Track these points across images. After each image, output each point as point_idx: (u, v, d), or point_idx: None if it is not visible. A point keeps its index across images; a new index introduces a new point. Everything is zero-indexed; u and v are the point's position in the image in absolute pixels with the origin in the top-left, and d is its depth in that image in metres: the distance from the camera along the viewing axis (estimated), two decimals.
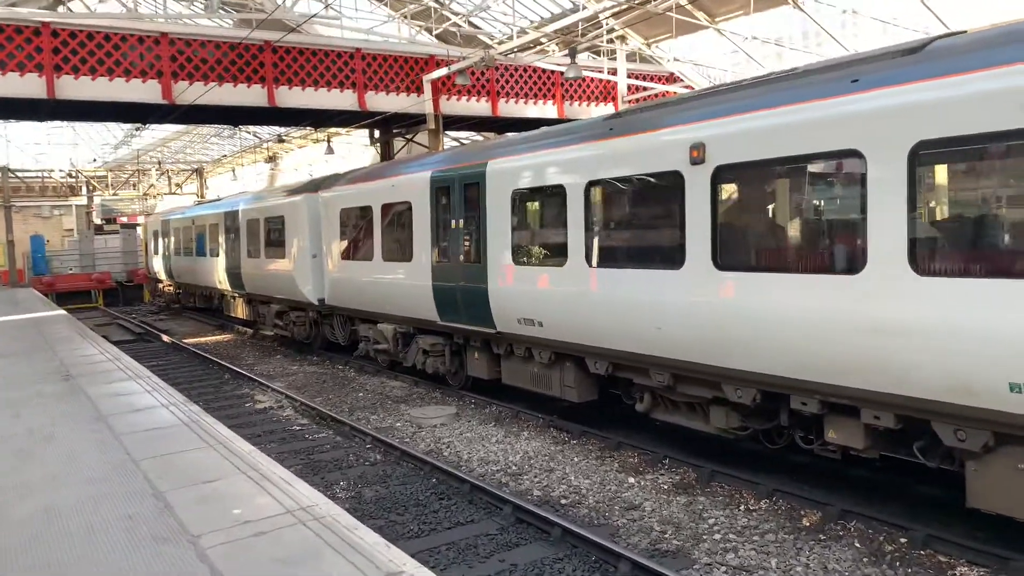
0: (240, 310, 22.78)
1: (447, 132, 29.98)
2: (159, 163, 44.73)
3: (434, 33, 26.15)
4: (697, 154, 7.46)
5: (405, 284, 13.10)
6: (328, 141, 34.57)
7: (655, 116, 8.34)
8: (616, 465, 9.21)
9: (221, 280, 23.23)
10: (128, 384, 10.49)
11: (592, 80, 27.75)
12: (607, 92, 28.18)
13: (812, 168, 6.52)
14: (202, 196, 43.64)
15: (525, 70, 26.38)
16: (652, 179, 8.23)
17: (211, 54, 20.93)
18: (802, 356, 6.62)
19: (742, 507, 7.75)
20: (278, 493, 5.23)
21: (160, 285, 32.90)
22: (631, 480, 8.67)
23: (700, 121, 7.53)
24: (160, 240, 31.18)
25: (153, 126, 33.27)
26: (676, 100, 8.47)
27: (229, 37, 21.40)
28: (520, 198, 10.35)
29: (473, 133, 33.66)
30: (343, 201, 15.18)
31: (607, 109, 28.21)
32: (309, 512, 4.84)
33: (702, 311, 7.45)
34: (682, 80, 24.69)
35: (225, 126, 39.06)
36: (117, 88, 19.90)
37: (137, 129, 25.93)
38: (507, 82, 26.18)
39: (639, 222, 8.69)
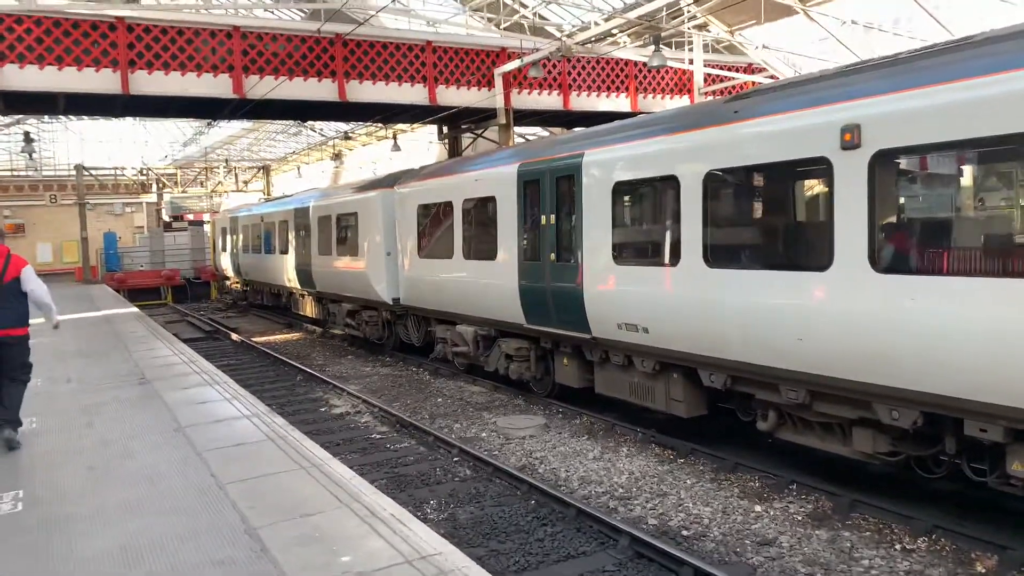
0: (309, 308, 22.38)
1: (514, 128, 29.21)
2: (226, 161, 45.04)
3: (503, 26, 25.38)
4: (850, 137, 6.45)
5: (488, 284, 12.32)
6: (394, 138, 34.16)
7: (791, 96, 7.34)
8: (736, 490, 8.25)
9: (290, 278, 22.87)
10: (206, 391, 9.94)
11: (668, 71, 26.62)
12: (683, 84, 27.04)
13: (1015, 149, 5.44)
14: (268, 194, 43.79)
15: (597, 62, 25.41)
16: (788, 168, 7.25)
17: (282, 47, 20.53)
18: (991, 375, 5.57)
19: (897, 546, 6.72)
20: (390, 534, 4.47)
21: (228, 282, 32.93)
22: (758, 508, 7.71)
23: (853, 99, 6.52)
24: (228, 237, 31.16)
25: (222, 123, 33.30)
26: (814, 78, 7.46)
27: (300, 30, 20.98)
28: (622, 191, 9.45)
29: (539, 129, 32.81)
30: (421, 196, 14.48)
31: (683, 101, 27.07)
32: (433, 563, 4.06)
33: (857, 321, 6.44)
34: (766, 69, 23.40)
35: (292, 122, 39.05)
36: (189, 83, 19.64)
37: (209, 124, 25.75)
38: (578, 74, 25.28)
39: (771, 217, 7.72)
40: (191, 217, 42.59)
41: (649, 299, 8.95)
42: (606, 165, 9.57)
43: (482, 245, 12.62)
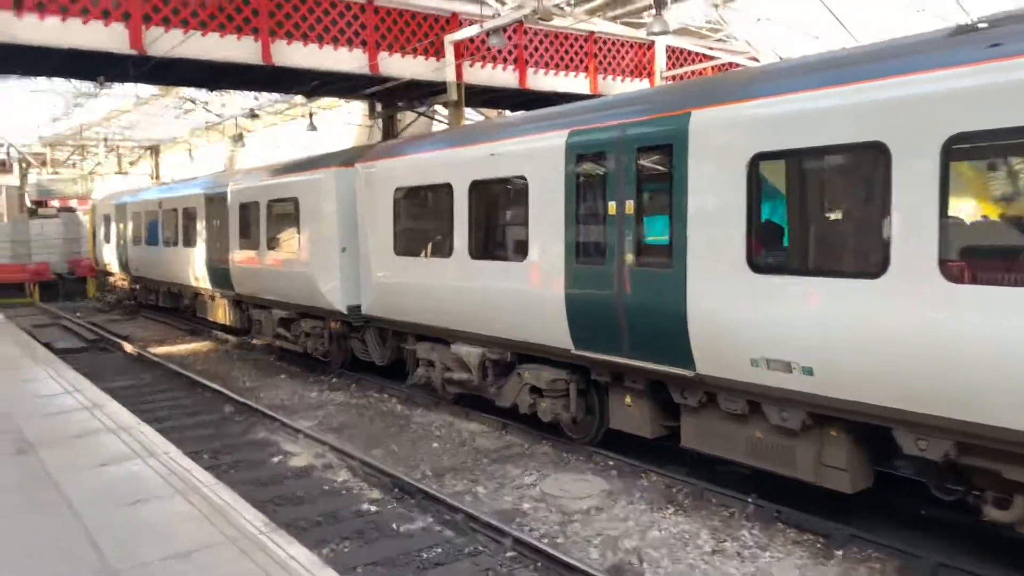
0: (222, 314, 18.44)
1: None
2: (105, 139, 39.34)
3: None
4: None
5: (509, 293, 9.22)
6: (310, 116, 30.23)
7: None
8: None
9: (198, 276, 18.85)
10: (135, 467, 6.39)
11: (628, 50, 24.21)
12: (642, 66, 24.67)
13: None
14: (157, 177, 38.54)
15: (556, 36, 22.63)
16: None
17: None
18: None
19: None
20: None
21: (111, 279, 28.07)
22: None
23: None
24: (113, 226, 26.40)
25: (105, 91, 28.32)
26: None
27: None
28: (767, 168, 6.58)
29: (480, 111, 29.65)
30: (399, 177, 11.16)
31: (643, 85, 24.72)
32: None
33: None
34: (748, 52, 21.21)
35: (185, 99, 34.24)
36: (72, 31, 15.42)
37: (100, 86, 21.16)
38: (535, 49, 22.40)
39: None
40: (60, 204, 36.94)
41: (816, 327, 6.13)
42: (738, 128, 6.66)
43: (501, 241, 9.53)
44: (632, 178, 7.60)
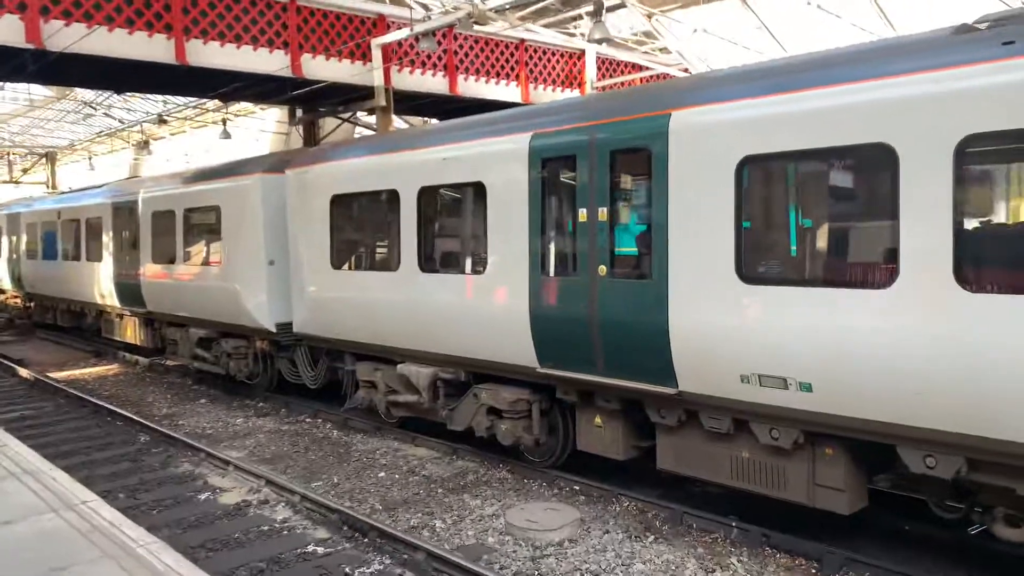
0: (132, 333, 17.02)
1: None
2: None
3: None
4: None
5: (468, 308, 8.56)
6: (224, 124, 28.78)
7: None
8: None
9: (104, 293, 17.37)
10: (49, 523, 5.36)
11: (558, 59, 24.01)
12: (572, 76, 24.48)
13: None
14: (53, 187, 35.91)
15: (487, 43, 22.18)
16: None
17: None
18: None
19: None
20: None
21: (1, 297, 25.84)
22: None
23: None
24: (3, 239, 24.33)
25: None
26: None
27: None
28: (759, 171, 6.15)
29: (404, 118, 28.86)
30: (336, 183, 10.33)
31: (572, 94, 24.50)
32: None
33: None
34: (681, 64, 21.16)
35: (85, 103, 32.14)
36: None
37: None
38: (465, 55, 21.88)
39: None
40: None
41: (820, 340, 5.72)
42: (725, 129, 6.22)
43: (455, 252, 8.87)
44: (605, 184, 7.07)
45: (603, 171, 7.08)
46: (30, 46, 14.75)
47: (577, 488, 8.39)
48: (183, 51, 16.34)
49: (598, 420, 7.84)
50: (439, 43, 20.33)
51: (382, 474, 9.23)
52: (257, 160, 12.94)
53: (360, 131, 26.41)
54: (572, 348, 7.48)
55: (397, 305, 9.48)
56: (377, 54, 19.43)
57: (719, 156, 6.22)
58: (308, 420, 12.00)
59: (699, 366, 6.51)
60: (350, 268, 10.27)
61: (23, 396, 14.46)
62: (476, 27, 18.06)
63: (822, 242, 6.02)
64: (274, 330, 12.00)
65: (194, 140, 38.42)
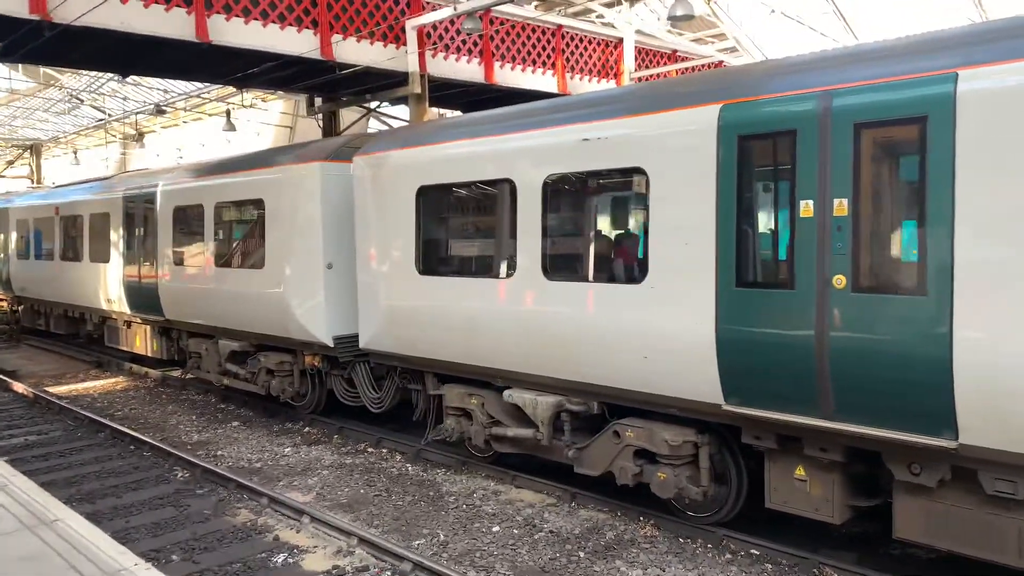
0: (141, 342, 15.08)
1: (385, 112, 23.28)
2: None
3: None
4: None
5: (617, 325, 6.85)
6: (228, 115, 26.84)
7: None
8: None
9: (111, 297, 15.42)
10: None
11: (592, 47, 22.47)
12: (609, 65, 22.93)
13: None
14: (38, 180, 33.59)
15: (524, 28, 20.57)
16: None
17: None
18: None
19: None
20: None
21: None
22: None
23: None
24: None
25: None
26: None
27: None
28: None
29: (435, 109, 27.09)
30: (427, 172, 8.57)
31: (609, 85, 22.96)
32: None
33: None
34: (738, 51, 19.60)
35: (75, 92, 29.98)
36: None
37: None
38: (502, 41, 20.23)
39: None
40: None
41: None
42: None
43: (595, 256, 7.14)
44: (846, 167, 5.40)
45: (843, 150, 5.41)
46: (35, 17, 12.88)
47: (756, 553, 6.71)
48: (204, 27, 14.50)
49: (800, 472, 6.17)
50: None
51: (496, 528, 7.48)
52: (315, 145, 11.09)
53: (375, 125, 24.67)
54: (783, 383, 5.80)
55: (507, 318, 7.74)
56: (412, 36, 17.72)
57: None
58: (372, 450, 10.21)
59: (997, 413, 4.86)
60: (444, 274, 8.50)
61: (24, 417, 12.51)
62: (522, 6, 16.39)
63: None
64: (331, 344, 10.22)
65: (187, 134, 36.30)
